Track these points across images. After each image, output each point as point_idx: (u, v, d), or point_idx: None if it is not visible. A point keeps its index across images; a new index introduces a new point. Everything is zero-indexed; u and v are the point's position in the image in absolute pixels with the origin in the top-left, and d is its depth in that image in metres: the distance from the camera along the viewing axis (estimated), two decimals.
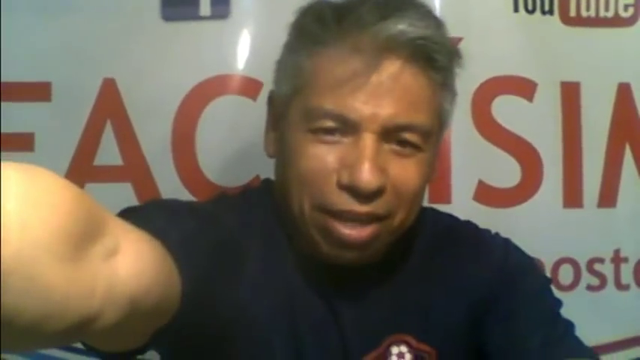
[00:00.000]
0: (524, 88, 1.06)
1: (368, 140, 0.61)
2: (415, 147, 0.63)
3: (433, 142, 0.66)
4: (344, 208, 0.62)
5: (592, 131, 1.07)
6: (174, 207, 0.62)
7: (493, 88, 1.05)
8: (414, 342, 0.69)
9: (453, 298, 0.71)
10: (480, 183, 1.06)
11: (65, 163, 1.00)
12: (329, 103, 0.61)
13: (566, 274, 1.06)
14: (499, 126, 1.05)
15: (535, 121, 1.06)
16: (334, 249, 0.64)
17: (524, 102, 1.06)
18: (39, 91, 1.00)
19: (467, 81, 1.03)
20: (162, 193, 1.01)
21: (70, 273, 0.34)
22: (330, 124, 0.61)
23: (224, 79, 1.02)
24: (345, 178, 0.61)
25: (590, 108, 1.07)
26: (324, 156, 0.62)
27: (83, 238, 0.36)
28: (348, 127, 0.61)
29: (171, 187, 1.01)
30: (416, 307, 0.71)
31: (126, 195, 1.00)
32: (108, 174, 1.00)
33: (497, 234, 0.77)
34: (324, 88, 0.62)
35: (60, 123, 1.00)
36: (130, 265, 0.40)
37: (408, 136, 0.62)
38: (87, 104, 1.00)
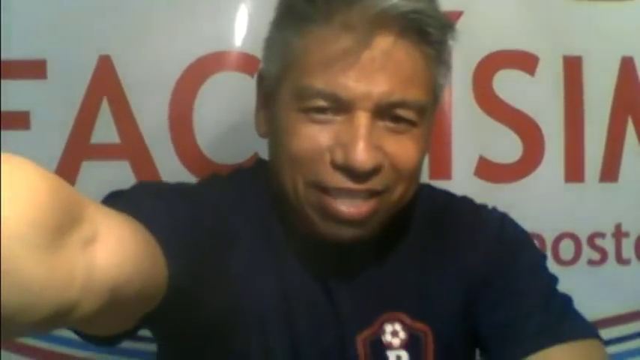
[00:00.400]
0: (526, 62, 1.05)
1: (361, 119, 0.60)
2: (410, 123, 0.62)
3: (428, 117, 0.65)
4: (339, 186, 0.61)
5: (594, 105, 1.06)
6: (161, 191, 0.62)
7: (494, 62, 1.04)
8: (408, 320, 0.69)
9: (449, 276, 0.71)
10: (481, 158, 1.05)
11: (61, 142, 0.99)
12: (320, 83, 0.60)
13: (567, 249, 1.06)
14: (500, 101, 1.04)
15: (537, 95, 1.05)
16: (331, 227, 0.63)
17: (526, 76, 1.05)
18: (34, 69, 0.99)
19: (468, 55, 1.04)
20: (161, 171, 1.00)
21: (48, 264, 0.34)
22: (321, 103, 0.60)
23: (222, 56, 1.01)
24: (340, 158, 0.60)
25: (592, 82, 1.06)
26: (316, 135, 0.61)
27: (60, 228, 0.35)
28: (340, 105, 0.60)
29: (169, 165, 1.00)
30: (411, 285, 0.70)
31: (123, 173, 0.99)
32: (105, 152, 1.00)
33: (494, 209, 0.76)
34: (314, 67, 0.61)
35: (56, 101, 0.99)
36: (110, 253, 0.40)
37: (403, 112, 0.61)
38: (83, 81, 0.99)
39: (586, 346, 0.65)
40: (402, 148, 0.62)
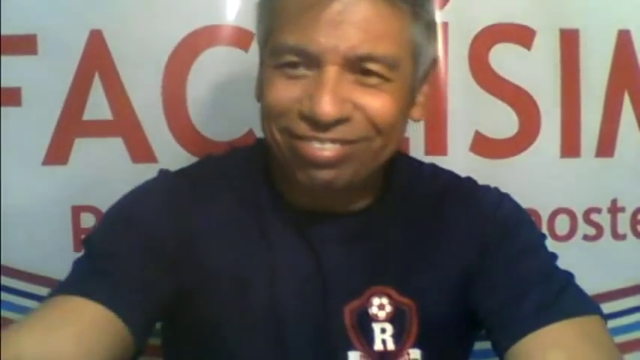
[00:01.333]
0: (523, 35, 1.03)
1: (329, 72, 0.61)
2: (382, 77, 0.63)
3: (405, 74, 0.65)
4: (309, 135, 0.63)
5: (591, 79, 1.05)
6: (124, 231, 0.68)
7: (491, 35, 1.03)
8: (395, 294, 0.70)
9: (441, 254, 0.71)
10: (477, 134, 1.04)
11: (53, 118, 0.98)
12: (291, 39, 0.62)
13: (562, 225, 1.06)
14: (496, 75, 1.03)
15: (533, 69, 1.04)
16: (307, 171, 0.65)
17: (523, 50, 1.04)
18: (24, 45, 0.98)
19: (464, 29, 1.03)
20: (154, 147, 1.00)
21: None
22: (293, 58, 0.63)
23: (214, 30, 1.00)
24: (305, 109, 0.62)
25: (589, 56, 1.05)
26: (288, 89, 0.63)
27: None
28: (310, 60, 0.62)
29: (162, 141, 0.99)
30: (401, 260, 0.71)
31: (117, 150, 0.99)
32: (98, 129, 0.99)
33: (495, 189, 0.76)
34: (287, 25, 0.63)
35: (47, 77, 0.98)
36: None
37: (373, 66, 0.62)
38: (74, 57, 0.98)
39: (586, 322, 0.65)
40: (375, 100, 0.63)
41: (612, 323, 1.02)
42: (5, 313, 0.98)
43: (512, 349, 0.64)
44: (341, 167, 0.64)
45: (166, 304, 0.67)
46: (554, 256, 0.72)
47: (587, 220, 1.06)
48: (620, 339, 1.03)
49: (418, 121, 0.71)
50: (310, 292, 0.69)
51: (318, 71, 0.62)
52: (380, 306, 0.69)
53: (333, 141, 0.63)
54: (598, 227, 1.07)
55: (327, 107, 0.61)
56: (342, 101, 0.62)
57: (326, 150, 0.63)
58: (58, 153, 0.99)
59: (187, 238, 0.69)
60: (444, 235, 0.72)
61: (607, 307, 1.02)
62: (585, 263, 1.02)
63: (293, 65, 0.63)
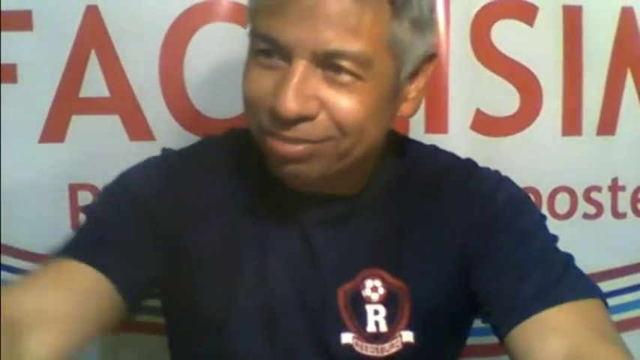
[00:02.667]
0: (525, 12, 1.02)
1: (297, 66, 0.59)
2: (353, 75, 0.60)
3: (381, 74, 0.62)
4: (273, 130, 0.62)
5: (593, 57, 1.04)
6: (111, 201, 0.71)
7: (493, 12, 1.01)
8: (388, 277, 0.69)
9: (437, 237, 0.70)
10: (478, 112, 1.03)
11: (50, 95, 0.97)
12: (263, 26, 0.60)
13: (562, 203, 1.06)
14: (498, 52, 1.02)
15: (535, 46, 1.03)
16: (276, 165, 0.64)
17: (525, 27, 1.02)
18: (20, 20, 0.96)
19: (466, 5, 1.01)
20: (151, 125, 0.99)
21: None
22: (264, 46, 0.61)
23: (212, 5, 0.98)
24: (269, 103, 0.61)
25: (592, 33, 1.04)
26: (261, 80, 0.61)
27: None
28: (281, 51, 0.60)
29: (160, 119, 0.99)
30: (394, 243, 0.70)
31: (114, 128, 0.98)
32: (94, 106, 0.98)
33: (495, 171, 0.75)
34: (262, 10, 0.61)
35: (43, 53, 0.97)
36: (46, 337, 0.52)
37: (344, 63, 0.59)
38: (70, 33, 0.97)
39: (586, 306, 0.64)
40: (343, 100, 0.60)
41: (612, 301, 1.02)
42: None
43: (512, 334, 0.64)
44: (307, 163, 0.63)
45: (159, 275, 0.69)
46: (554, 238, 0.71)
47: (588, 199, 1.06)
48: (619, 317, 1.04)
49: (411, 116, 0.69)
50: (302, 274, 0.69)
51: (287, 64, 0.60)
52: (373, 288, 0.69)
53: (296, 140, 0.61)
54: (598, 206, 1.06)
55: (288, 104, 0.58)
56: (306, 98, 0.59)
57: (289, 147, 0.62)
58: (54, 130, 0.98)
59: (181, 215, 0.69)
60: (441, 217, 0.71)
61: (606, 286, 1.04)
62: (585, 242, 1.03)
63: (267, 54, 0.61)
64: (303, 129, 0.61)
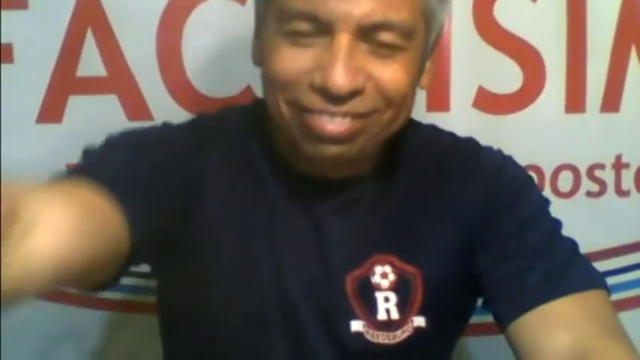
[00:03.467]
0: None
1: (342, 41, 0.58)
2: (396, 47, 0.60)
3: (419, 42, 0.62)
4: (320, 108, 0.60)
5: (597, 33, 1.02)
6: (126, 144, 0.64)
7: None
8: (398, 262, 0.68)
9: (444, 220, 0.70)
10: (480, 89, 1.02)
11: (46, 75, 0.96)
12: (300, 3, 0.58)
13: (565, 181, 1.05)
14: (501, 28, 1.00)
15: (538, 22, 1.01)
16: (314, 145, 0.62)
17: (528, 2, 1.01)
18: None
19: None
20: (150, 104, 0.98)
21: None
22: (303, 25, 0.59)
23: None
24: (318, 81, 0.59)
25: (595, 8, 1.02)
26: (297, 58, 0.60)
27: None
28: (321, 27, 0.58)
29: (158, 98, 0.97)
30: (403, 227, 0.69)
31: (112, 108, 0.97)
32: (92, 86, 0.97)
33: (498, 151, 0.74)
34: None
35: (39, 32, 0.96)
36: (49, 236, 0.42)
37: (387, 35, 0.59)
38: (66, 12, 0.95)
39: (590, 297, 0.64)
40: (388, 71, 0.60)
41: (615, 279, 1.03)
42: None
43: (515, 324, 0.64)
44: (350, 142, 0.62)
45: (165, 233, 0.62)
46: (558, 224, 0.70)
47: (591, 177, 1.05)
48: (621, 296, 1.03)
49: (424, 88, 0.68)
50: (311, 261, 0.68)
51: (330, 39, 0.58)
52: (383, 274, 0.67)
53: (345, 114, 0.60)
54: (602, 183, 1.05)
55: (341, 79, 0.57)
56: (355, 72, 0.58)
57: (337, 124, 0.60)
58: (51, 111, 0.97)
59: (192, 183, 0.66)
60: (445, 200, 0.70)
61: (609, 264, 1.04)
62: (588, 220, 1.03)
63: (303, 33, 0.59)
64: (352, 103, 0.60)
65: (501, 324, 0.66)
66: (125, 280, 0.96)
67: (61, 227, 0.43)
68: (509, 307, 0.65)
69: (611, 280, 1.00)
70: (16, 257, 0.38)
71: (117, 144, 0.64)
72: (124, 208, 0.53)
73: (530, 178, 0.74)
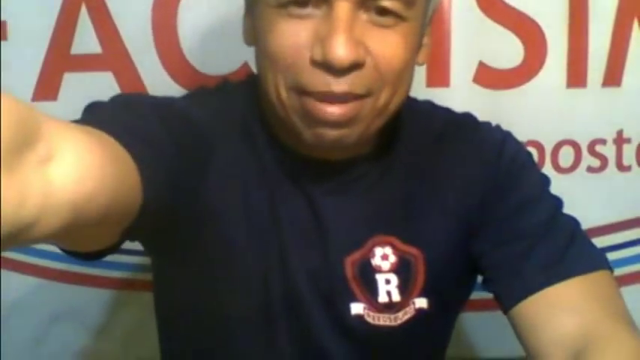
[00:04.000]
0: None
1: (341, 10, 0.55)
2: (397, 16, 0.57)
3: (418, 13, 0.60)
4: (320, 90, 0.58)
5: (599, 6, 1.01)
6: (137, 104, 0.59)
7: None
8: (399, 244, 0.67)
9: (443, 199, 0.68)
10: (481, 64, 1.01)
11: (41, 52, 0.95)
12: None
13: (566, 156, 1.04)
14: (502, 2, 0.99)
15: None
16: (314, 129, 0.60)
17: None
18: None
19: None
20: (145, 81, 0.96)
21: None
22: None
23: None
24: (318, 54, 0.56)
25: None
26: (296, 32, 0.57)
27: (13, 148, 0.33)
28: None
29: (153, 75, 0.96)
30: (402, 208, 0.68)
31: (107, 85, 0.95)
32: (87, 63, 0.95)
33: (497, 127, 0.73)
34: None
35: (33, 9, 0.94)
36: (68, 170, 0.38)
37: (388, 3, 0.57)
38: None
39: (593, 279, 0.63)
40: (387, 43, 0.58)
41: (615, 255, 1.03)
42: None
43: (517, 308, 0.63)
44: (350, 126, 0.60)
45: (172, 206, 0.57)
46: (559, 203, 0.69)
47: (592, 152, 1.04)
48: (622, 271, 1.03)
49: (422, 64, 0.66)
50: (311, 242, 0.66)
51: (328, 9, 0.56)
52: (383, 256, 0.66)
53: (345, 96, 0.58)
54: (602, 159, 1.05)
55: (342, 50, 0.55)
56: (356, 43, 0.56)
57: (336, 107, 0.58)
58: (47, 89, 0.96)
59: (200, 162, 0.63)
60: (444, 179, 0.69)
61: (610, 240, 1.03)
62: (589, 195, 1.02)
63: (300, 3, 0.56)
64: (351, 79, 0.57)
65: (503, 306, 0.65)
66: (126, 259, 0.98)
67: (85, 163, 0.40)
68: (510, 291, 0.64)
69: (611, 256, 1.00)
70: (34, 183, 0.35)
71: (130, 102, 0.60)
72: (139, 164, 0.49)
73: (530, 156, 0.72)
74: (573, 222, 0.68)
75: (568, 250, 0.64)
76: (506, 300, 0.64)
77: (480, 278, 0.71)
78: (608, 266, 0.65)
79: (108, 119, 0.51)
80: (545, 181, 0.70)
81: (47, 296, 0.99)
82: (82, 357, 1.01)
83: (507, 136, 0.72)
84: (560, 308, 0.61)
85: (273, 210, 0.66)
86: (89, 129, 0.45)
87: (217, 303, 0.67)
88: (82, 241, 0.49)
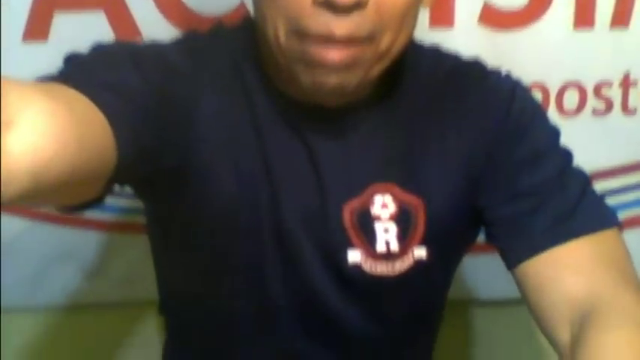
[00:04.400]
0: None
1: None
2: None
3: None
4: (321, 32, 0.56)
5: None
6: (116, 56, 0.59)
7: None
8: (399, 192, 0.65)
9: (448, 147, 0.66)
10: (486, 4, 0.97)
11: None
12: None
13: (571, 99, 1.01)
14: None
15: None
16: (314, 75, 0.58)
17: None
18: None
19: None
20: (138, 21, 0.93)
21: None
22: None
23: None
24: None
25: None
26: None
27: None
28: None
29: (147, 15, 0.93)
30: (404, 155, 0.66)
31: (99, 25, 0.92)
32: (78, 2, 0.92)
33: (506, 75, 0.70)
34: None
35: None
36: (27, 138, 0.38)
37: None
38: None
39: (602, 239, 0.62)
40: None
41: (618, 199, 1.02)
42: None
43: (523, 267, 0.62)
44: (350, 71, 0.58)
45: (156, 154, 0.58)
46: (569, 156, 0.67)
47: (598, 95, 1.02)
48: (625, 215, 1.03)
49: (427, 7, 0.64)
50: (305, 191, 0.65)
51: None
52: (383, 205, 0.65)
53: (348, 38, 0.56)
54: (608, 102, 1.03)
55: None
56: None
57: (337, 51, 0.56)
58: (37, 29, 0.92)
59: (184, 108, 0.62)
60: (449, 128, 0.67)
61: (613, 183, 1.02)
62: (593, 139, 1.01)
63: None
64: (353, 21, 0.55)
65: (508, 264, 0.64)
66: (122, 202, 0.97)
67: (43, 129, 0.40)
68: (516, 249, 0.63)
69: (614, 200, 1.01)
70: None
71: (108, 53, 0.60)
72: (112, 121, 0.49)
73: (540, 107, 0.70)
74: (583, 177, 0.66)
75: (577, 207, 0.63)
76: (512, 257, 0.64)
77: (483, 231, 0.69)
78: (617, 223, 0.64)
79: (83, 74, 0.52)
80: (556, 133, 0.68)
81: (43, 238, 0.98)
82: (79, 298, 1.02)
83: (517, 85, 0.69)
84: (567, 269, 0.60)
85: (265, 156, 0.64)
86: (56, 90, 0.46)
87: (210, 250, 0.66)
88: (57, 199, 0.50)
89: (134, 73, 0.57)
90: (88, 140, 0.46)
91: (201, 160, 0.63)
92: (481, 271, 1.03)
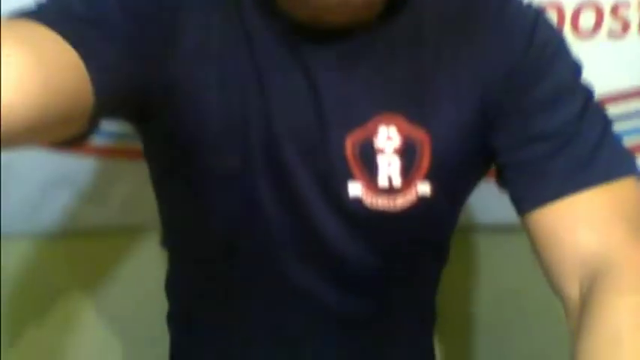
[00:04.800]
0: None
1: None
2: None
3: None
4: None
5: None
6: None
7: None
8: (404, 124, 0.61)
9: (461, 79, 0.62)
10: None
11: None
12: None
13: (587, 20, 0.97)
14: None
15: None
16: None
17: None
18: None
19: None
20: None
21: None
22: None
23: None
24: None
25: None
26: None
27: None
28: None
29: None
30: (411, 85, 0.62)
31: None
32: None
33: (529, 5, 0.64)
34: None
35: None
36: None
37: None
38: None
39: (618, 189, 0.58)
40: None
41: (630, 124, 0.99)
42: None
43: (535, 215, 0.59)
44: None
45: (139, 84, 0.57)
46: (590, 94, 0.62)
47: (615, 15, 0.97)
48: (637, 140, 1.00)
49: None
50: (305, 119, 0.61)
51: None
52: (387, 137, 0.61)
53: None
54: (625, 23, 0.98)
55: None
56: None
57: None
58: None
59: (173, 34, 0.59)
60: (462, 59, 0.62)
61: (629, 107, 0.99)
62: (608, 61, 0.96)
63: None
64: None
65: (518, 209, 0.62)
66: (122, 128, 0.95)
67: (9, 76, 0.39)
68: (529, 194, 0.60)
69: (626, 125, 0.97)
70: None
71: None
72: (86, 58, 0.48)
73: (563, 41, 0.64)
74: (603, 117, 0.62)
75: (595, 152, 0.59)
76: (524, 203, 0.61)
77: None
78: (634, 170, 0.60)
79: (57, 9, 0.51)
80: (578, 70, 0.63)
81: (41, 164, 0.97)
82: (78, 224, 1.01)
83: (539, 16, 0.64)
84: (581, 221, 0.58)
85: (259, 79, 0.61)
86: (22, 30, 0.46)
87: (200, 170, 0.64)
88: (35, 141, 0.49)
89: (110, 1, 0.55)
90: (56, 82, 0.45)
91: (186, 84, 0.60)
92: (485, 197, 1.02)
